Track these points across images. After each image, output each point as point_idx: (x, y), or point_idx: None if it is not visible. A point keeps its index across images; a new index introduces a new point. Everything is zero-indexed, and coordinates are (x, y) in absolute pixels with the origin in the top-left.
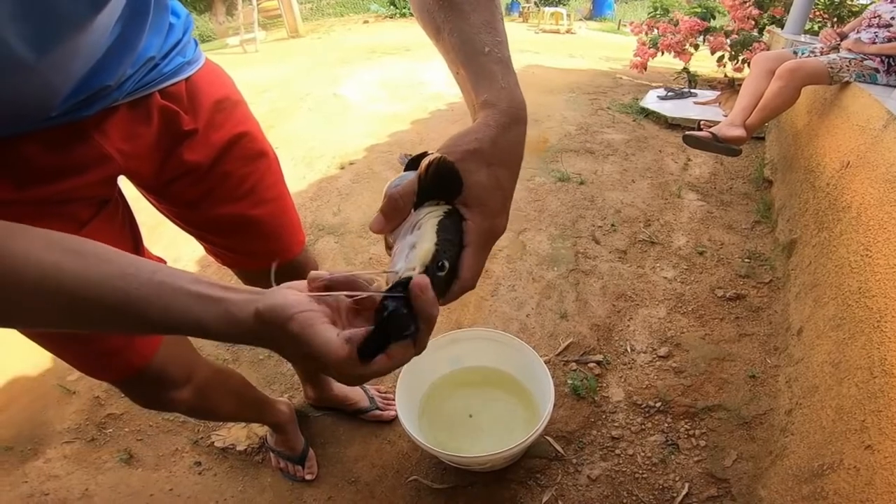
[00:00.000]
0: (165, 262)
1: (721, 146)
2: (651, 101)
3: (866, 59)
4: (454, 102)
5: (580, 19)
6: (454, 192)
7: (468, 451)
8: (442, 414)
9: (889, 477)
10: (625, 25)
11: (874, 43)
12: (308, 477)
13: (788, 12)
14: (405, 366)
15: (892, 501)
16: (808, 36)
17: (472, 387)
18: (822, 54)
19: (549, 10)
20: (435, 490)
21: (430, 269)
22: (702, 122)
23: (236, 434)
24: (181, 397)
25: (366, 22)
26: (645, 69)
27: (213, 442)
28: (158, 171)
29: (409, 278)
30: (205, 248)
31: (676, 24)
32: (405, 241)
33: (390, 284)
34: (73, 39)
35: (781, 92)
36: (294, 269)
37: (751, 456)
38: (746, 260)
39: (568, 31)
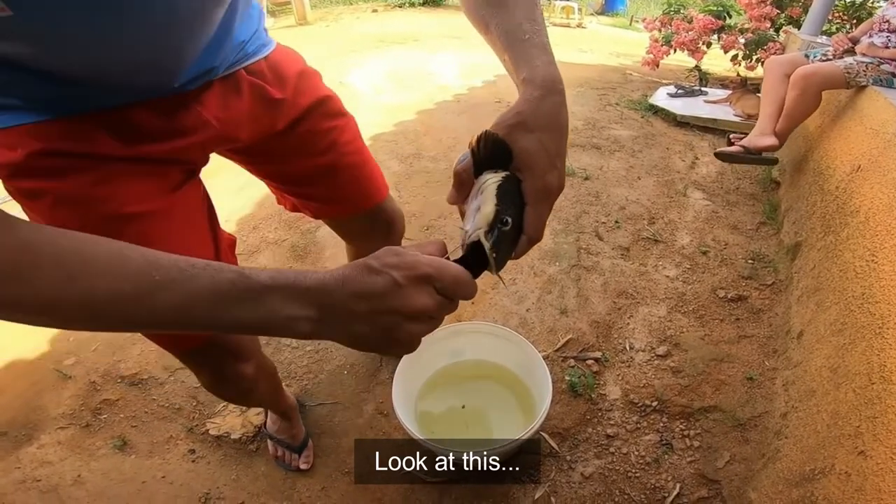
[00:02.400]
0: (236, 240)
1: (756, 157)
2: (661, 98)
3: (883, 64)
4: (461, 94)
5: (591, 14)
6: (505, 159)
7: (464, 446)
8: (439, 407)
9: (880, 483)
10: (637, 21)
11: (887, 47)
12: (303, 466)
13: (806, 13)
14: (403, 358)
15: None
16: (825, 38)
17: (470, 380)
18: (834, 58)
19: (559, 3)
20: (429, 483)
21: (494, 226)
22: (731, 136)
23: (231, 422)
24: (247, 371)
25: (375, 11)
26: (657, 66)
27: (208, 429)
28: (256, 134)
29: (478, 240)
30: (300, 204)
31: (690, 22)
32: (472, 204)
33: (463, 241)
34: (211, 12)
35: (801, 99)
36: (380, 214)
37: (743, 458)
38: (750, 261)
39: (578, 26)
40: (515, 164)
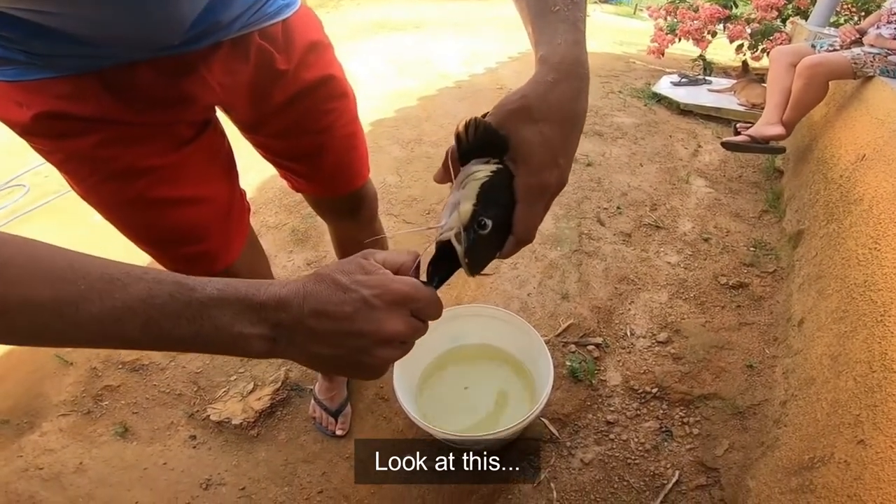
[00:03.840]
0: (245, 193)
1: (763, 147)
2: (664, 86)
3: (890, 55)
4: (462, 80)
5: (595, 2)
6: (499, 148)
7: (464, 431)
8: (440, 392)
9: (879, 472)
10: (641, 10)
11: (895, 38)
12: (339, 432)
13: (814, 4)
14: None
15: (881, 497)
16: (832, 29)
17: (471, 365)
18: (841, 48)
19: None
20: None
21: (469, 228)
22: (738, 126)
23: (232, 408)
24: None
25: None
26: (662, 55)
27: (209, 415)
28: (252, 106)
29: (448, 240)
30: (280, 173)
31: (696, 11)
32: (452, 196)
33: (436, 238)
34: None
35: (808, 89)
36: (358, 198)
37: (742, 446)
38: (752, 249)
39: None
40: (511, 156)
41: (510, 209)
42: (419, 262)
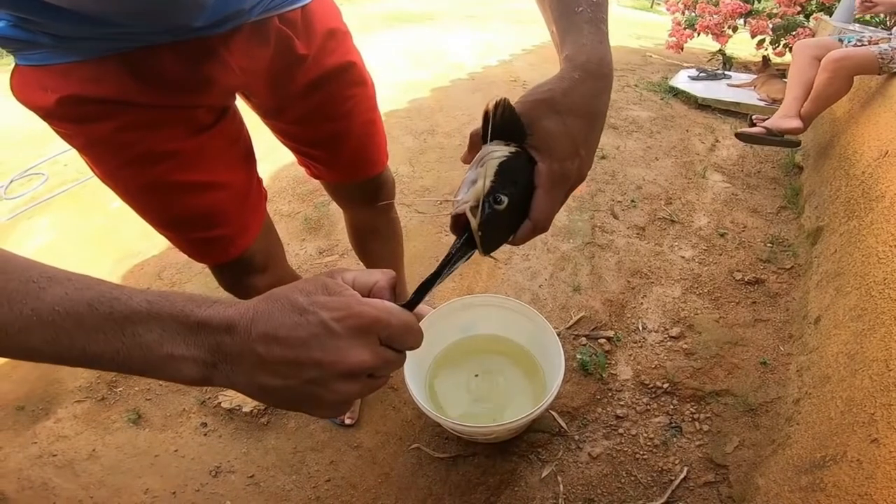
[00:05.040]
0: (262, 180)
1: (778, 139)
2: (682, 80)
3: None
4: (475, 72)
5: None
6: (517, 133)
7: (473, 421)
8: (449, 382)
9: (891, 472)
10: (659, 3)
11: None
12: (347, 422)
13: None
14: None
15: (892, 496)
16: (857, 25)
17: (481, 355)
18: (869, 44)
19: None
20: (436, 459)
21: (485, 202)
22: (754, 118)
23: (243, 395)
24: (261, 283)
25: None
26: (681, 50)
27: (220, 402)
28: (272, 91)
29: (464, 213)
30: (299, 160)
31: (717, 5)
32: (469, 174)
33: (453, 210)
34: None
35: (832, 82)
36: (376, 185)
37: (752, 443)
38: (769, 244)
39: None
40: (533, 143)
41: (527, 193)
42: (395, 282)
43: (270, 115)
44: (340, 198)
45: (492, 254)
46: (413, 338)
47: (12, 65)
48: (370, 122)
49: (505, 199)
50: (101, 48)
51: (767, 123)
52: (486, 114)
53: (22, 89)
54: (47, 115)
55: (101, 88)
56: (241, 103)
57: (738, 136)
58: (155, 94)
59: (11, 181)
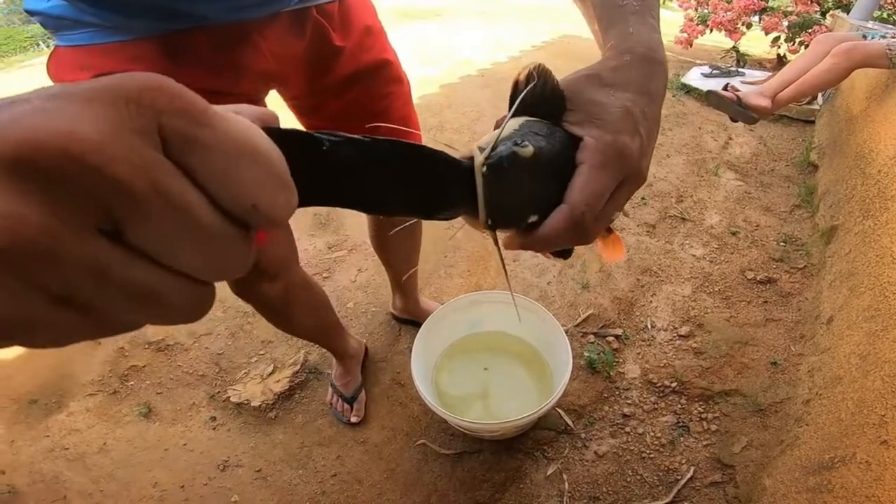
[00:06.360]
0: None
1: (739, 110)
2: (694, 77)
3: None
4: (485, 69)
5: None
6: (555, 109)
7: (479, 418)
8: (456, 378)
9: None
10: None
11: None
12: (353, 420)
13: None
14: (422, 327)
15: None
16: (875, 23)
17: (488, 352)
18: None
19: None
20: (442, 455)
21: (501, 146)
22: (730, 86)
23: (252, 389)
24: (271, 291)
25: None
26: (691, 46)
27: (229, 397)
28: (307, 81)
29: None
30: None
31: (730, 2)
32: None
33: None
34: None
35: (831, 69)
36: None
37: (760, 444)
38: (782, 244)
39: None
40: (576, 120)
41: (563, 170)
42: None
43: (306, 113)
44: None
45: (499, 249)
46: (283, 194)
47: (52, 47)
48: (405, 117)
49: (530, 146)
50: (146, 28)
51: (742, 94)
52: (515, 84)
53: (57, 70)
54: None
55: (138, 68)
56: (276, 104)
57: (708, 93)
58: (188, 77)
59: None
